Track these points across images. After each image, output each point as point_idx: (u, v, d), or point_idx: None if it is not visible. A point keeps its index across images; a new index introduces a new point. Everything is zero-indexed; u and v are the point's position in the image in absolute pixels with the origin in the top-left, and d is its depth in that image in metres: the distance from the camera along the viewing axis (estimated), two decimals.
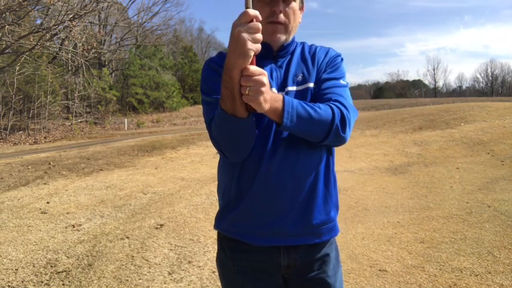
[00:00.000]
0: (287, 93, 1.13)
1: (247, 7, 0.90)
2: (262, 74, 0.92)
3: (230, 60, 0.91)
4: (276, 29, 1.13)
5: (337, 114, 1.04)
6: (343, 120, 1.05)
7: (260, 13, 1.00)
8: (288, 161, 1.09)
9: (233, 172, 1.15)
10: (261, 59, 1.09)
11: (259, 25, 0.90)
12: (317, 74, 1.18)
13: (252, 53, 0.90)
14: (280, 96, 1.01)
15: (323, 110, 1.04)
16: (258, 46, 0.91)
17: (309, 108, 1.03)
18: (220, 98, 0.99)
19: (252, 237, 1.13)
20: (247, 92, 0.92)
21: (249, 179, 1.11)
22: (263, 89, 0.92)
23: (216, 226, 1.23)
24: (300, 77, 1.16)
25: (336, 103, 1.07)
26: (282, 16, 1.12)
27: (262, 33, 1.01)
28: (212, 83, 1.14)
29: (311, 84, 1.15)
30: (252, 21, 0.89)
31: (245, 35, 0.88)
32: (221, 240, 1.25)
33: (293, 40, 1.22)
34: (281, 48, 1.18)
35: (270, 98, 0.97)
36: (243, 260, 1.17)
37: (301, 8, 1.21)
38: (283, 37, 1.15)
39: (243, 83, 0.92)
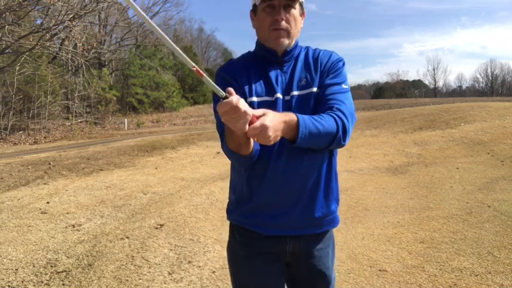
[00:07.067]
0: (292, 97, 1.22)
1: (193, 67, 0.89)
2: (263, 128, 0.97)
3: (231, 127, 0.98)
4: (279, 35, 1.22)
5: (340, 125, 1.14)
6: (345, 130, 1.15)
7: (264, 22, 1.22)
8: (293, 162, 1.19)
9: (243, 172, 1.26)
10: (268, 65, 1.26)
11: (234, 112, 0.91)
12: (320, 78, 1.25)
13: (242, 129, 0.95)
14: (293, 119, 1.06)
15: (328, 124, 1.12)
16: (242, 125, 0.94)
17: (318, 124, 1.10)
18: (226, 137, 1.09)
19: (261, 227, 1.25)
20: (255, 139, 1.00)
21: (258, 179, 1.22)
22: (269, 133, 0.98)
23: (228, 217, 1.36)
24: (303, 82, 1.25)
25: (338, 113, 1.16)
26: (283, 23, 1.21)
27: (267, 40, 1.24)
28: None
29: (314, 89, 1.23)
30: (230, 109, 0.90)
31: (229, 122, 0.94)
32: (232, 228, 1.36)
33: (296, 45, 1.30)
34: (285, 54, 1.27)
35: (280, 128, 1.03)
36: (251, 246, 1.29)
37: (301, 14, 1.29)
38: (286, 41, 1.24)
39: (249, 136, 1.00)
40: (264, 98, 1.22)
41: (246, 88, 1.22)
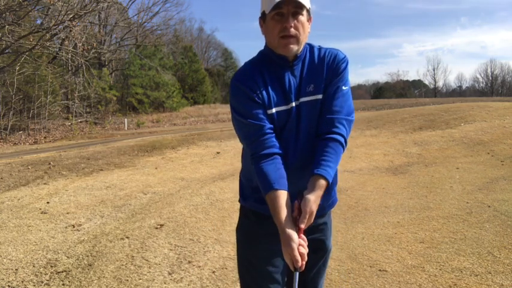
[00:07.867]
0: (301, 103, 1.32)
1: None
2: (309, 221, 1.20)
3: None
4: (288, 42, 1.28)
5: (344, 143, 1.30)
6: (346, 143, 1.32)
7: (274, 29, 1.27)
8: (306, 162, 1.32)
9: None
10: (280, 70, 1.33)
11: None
12: (325, 82, 1.35)
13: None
14: (324, 184, 1.23)
15: (338, 153, 1.29)
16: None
17: (335, 163, 1.27)
18: (274, 216, 1.22)
19: None
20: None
21: None
22: (312, 219, 1.21)
23: (242, 201, 1.50)
24: (311, 87, 1.34)
25: (338, 129, 1.30)
26: (292, 30, 1.27)
27: (277, 47, 1.31)
28: (242, 104, 1.31)
29: (320, 96, 1.34)
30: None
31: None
32: (246, 211, 1.49)
33: (304, 48, 1.36)
34: (295, 58, 1.34)
35: (318, 201, 1.22)
36: (264, 224, 1.38)
37: (308, 20, 1.34)
38: (295, 47, 1.29)
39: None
40: (281, 107, 1.32)
41: (266, 100, 1.30)
